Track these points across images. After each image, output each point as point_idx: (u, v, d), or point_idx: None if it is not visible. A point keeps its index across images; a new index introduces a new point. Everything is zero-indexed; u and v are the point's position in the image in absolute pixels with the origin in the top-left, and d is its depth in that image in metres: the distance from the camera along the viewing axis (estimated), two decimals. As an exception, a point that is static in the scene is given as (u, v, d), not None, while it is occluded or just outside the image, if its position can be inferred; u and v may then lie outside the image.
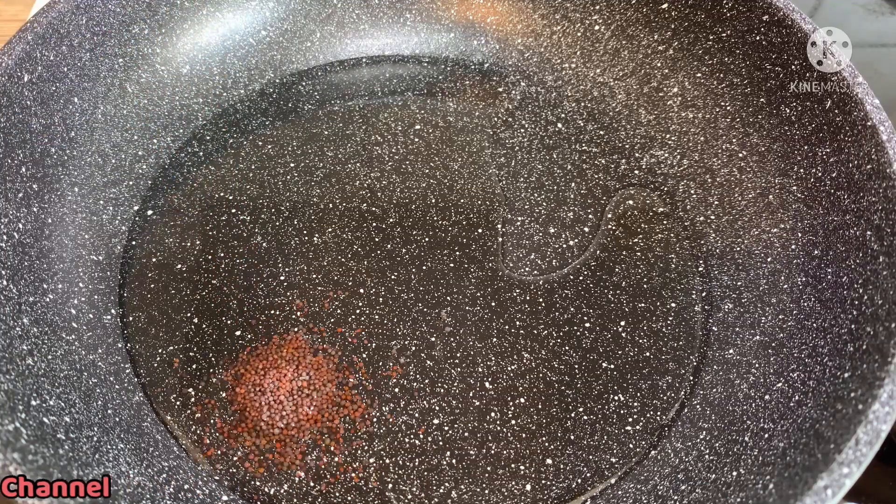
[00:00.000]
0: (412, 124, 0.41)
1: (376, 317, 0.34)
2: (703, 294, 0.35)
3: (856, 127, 0.32)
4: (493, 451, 0.30)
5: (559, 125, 0.42)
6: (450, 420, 0.31)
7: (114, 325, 0.33)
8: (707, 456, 0.29)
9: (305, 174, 0.39)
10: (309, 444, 0.30)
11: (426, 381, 0.32)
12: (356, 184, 0.39)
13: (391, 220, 0.37)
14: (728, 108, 0.39)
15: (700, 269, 0.36)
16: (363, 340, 0.33)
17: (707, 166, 0.39)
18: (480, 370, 0.32)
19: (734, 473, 0.27)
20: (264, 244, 0.36)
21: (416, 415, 0.31)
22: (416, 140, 0.41)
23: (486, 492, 0.29)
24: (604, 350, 0.33)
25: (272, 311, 0.34)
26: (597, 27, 0.44)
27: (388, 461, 0.30)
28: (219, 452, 0.30)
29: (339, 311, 0.34)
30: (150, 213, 0.37)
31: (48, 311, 0.30)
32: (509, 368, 0.32)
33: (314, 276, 0.35)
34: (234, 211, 0.37)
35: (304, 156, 0.40)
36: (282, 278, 0.35)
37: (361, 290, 0.34)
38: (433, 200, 0.38)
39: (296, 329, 0.33)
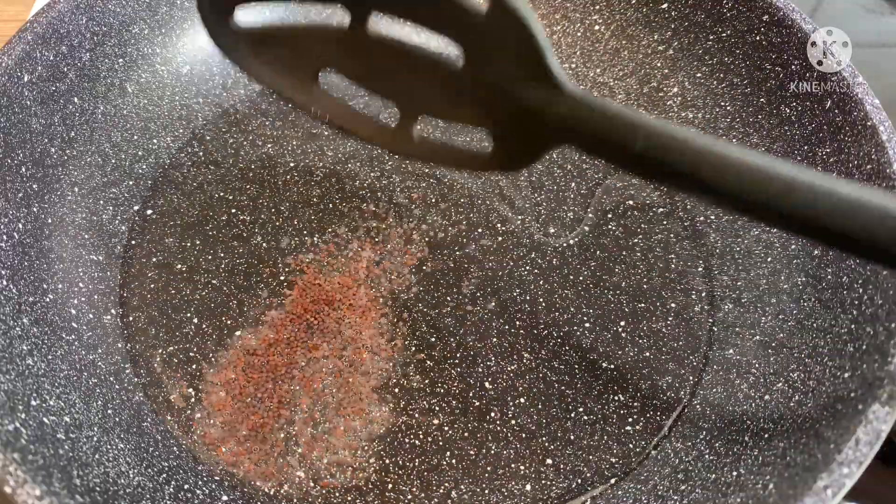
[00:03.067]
0: (412, 124, 0.41)
1: (376, 316, 0.34)
2: (703, 294, 0.35)
3: (856, 127, 0.32)
4: (493, 451, 0.30)
5: (559, 125, 0.42)
6: (450, 420, 0.31)
7: (114, 325, 0.33)
8: (707, 456, 0.29)
9: (305, 174, 0.39)
10: (309, 444, 0.30)
11: (426, 381, 0.32)
12: (356, 184, 0.39)
13: (391, 220, 0.37)
14: (728, 108, 0.39)
15: (700, 269, 0.36)
16: (363, 340, 0.33)
17: (707, 166, 0.39)
18: (480, 370, 0.32)
19: (734, 473, 0.27)
20: (264, 244, 0.36)
21: (416, 415, 0.31)
22: (416, 140, 0.41)
23: (486, 492, 0.29)
24: (604, 350, 0.33)
25: (272, 311, 0.34)
26: (597, 27, 0.44)
27: (388, 461, 0.30)
28: (219, 452, 0.30)
29: (338, 312, 0.34)
30: (150, 213, 0.37)
31: (48, 311, 0.30)
32: (509, 368, 0.32)
33: (314, 276, 0.35)
34: (234, 211, 0.37)
35: (304, 156, 0.40)
36: (282, 278, 0.35)
37: (362, 291, 0.34)
38: (433, 200, 0.38)
39: (296, 329, 0.33)
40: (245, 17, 0.32)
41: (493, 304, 0.34)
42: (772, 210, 0.22)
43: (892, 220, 0.20)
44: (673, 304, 0.35)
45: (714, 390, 0.32)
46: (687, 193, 0.31)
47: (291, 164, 0.39)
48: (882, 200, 0.21)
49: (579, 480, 0.29)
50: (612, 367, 0.33)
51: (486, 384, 0.32)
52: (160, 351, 0.32)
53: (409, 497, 0.29)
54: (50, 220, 0.33)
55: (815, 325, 0.31)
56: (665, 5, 0.41)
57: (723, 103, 0.39)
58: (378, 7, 0.27)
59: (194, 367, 0.32)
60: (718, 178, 0.22)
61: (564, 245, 0.36)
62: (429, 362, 0.32)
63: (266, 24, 0.32)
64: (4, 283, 0.29)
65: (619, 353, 0.33)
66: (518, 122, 0.26)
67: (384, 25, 0.28)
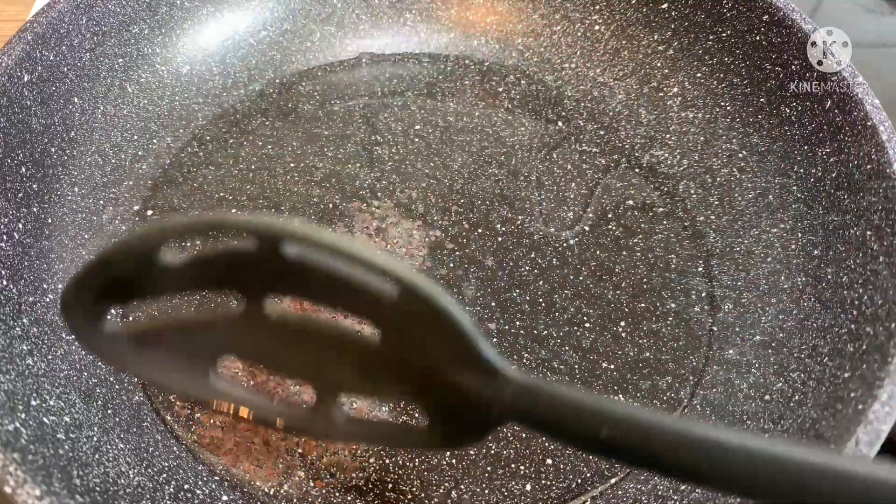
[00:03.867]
0: (412, 124, 0.41)
1: (376, 317, 0.34)
2: (704, 294, 0.35)
3: (856, 127, 0.32)
4: (493, 451, 0.30)
5: (559, 124, 0.42)
6: (450, 420, 0.31)
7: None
8: (707, 456, 0.29)
9: (305, 174, 0.39)
10: (309, 444, 0.30)
11: (426, 381, 0.32)
12: (356, 184, 0.39)
13: (391, 220, 0.37)
14: (728, 108, 0.39)
15: (700, 269, 0.36)
16: (364, 340, 0.33)
17: (707, 166, 0.39)
18: (480, 370, 0.32)
19: (734, 473, 0.27)
20: (264, 244, 0.36)
21: (417, 414, 0.31)
22: (416, 140, 0.41)
23: (486, 492, 0.29)
24: (604, 350, 0.33)
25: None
26: (597, 27, 0.44)
27: (388, 461, 0.30)
28: (219, 452, 0.30)
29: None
30: (150, 213, 0.37)
31: (48, 311, 0.30)
32: (509, 368, 0.32)
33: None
34: (234, 211, 0.37)
35: (304, 156, 0.40)
36: (282, 278, 0.35)
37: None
38: (433, 200, 0.38)
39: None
40: (119, 317, 0.28)
41: (493, 304, 0.34)
42: (770, 493, 0.19)
43: None
44: (673, 304, 0.35)
45: (714, 390, 0.32)
46: (672, 478, 0.27)
47: (291, 164, 0.39)
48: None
49: (579, 480, 0.29)
50: (612, 367, 0.33)
51: (486, 384, 0.32)
52: (160, 351, 0.32)
53: (409, 497, 0.29)
54: (50, 220, 0.33)
55: (815, 325, 0.31)
56: (665, 5, 0.41)
57: (723, 103, 0.39)
58: (273, 291, 0.23)
59: (194, 367, 0.32)
60: (704, 465, 0.19)
61: (564, 245, 0.36)
62: (429, 362, 0.32)
63: (145, 323, 0.27)
64: (4, 283, 0.29)
65: (619, 353, 0.33)
66: (454, 402, 0.23)
67: (284, 304, 0.24)
